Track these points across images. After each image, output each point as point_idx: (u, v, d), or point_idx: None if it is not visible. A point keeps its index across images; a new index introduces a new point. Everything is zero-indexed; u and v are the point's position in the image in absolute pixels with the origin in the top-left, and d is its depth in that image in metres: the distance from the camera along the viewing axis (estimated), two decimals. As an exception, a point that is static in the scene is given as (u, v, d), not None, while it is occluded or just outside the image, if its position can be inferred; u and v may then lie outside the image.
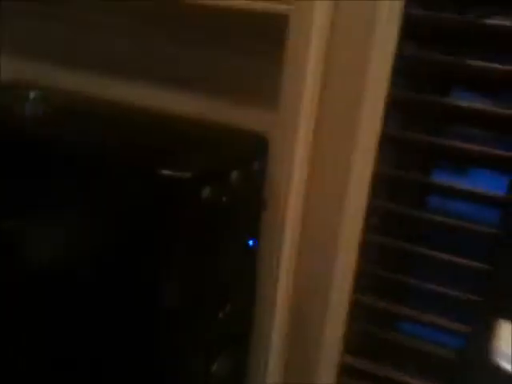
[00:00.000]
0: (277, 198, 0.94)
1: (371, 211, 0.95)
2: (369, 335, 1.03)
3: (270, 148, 0.93)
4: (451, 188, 0.94)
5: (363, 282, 0.99)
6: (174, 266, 0.79)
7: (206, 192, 0.77)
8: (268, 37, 0.90)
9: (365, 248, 0.96)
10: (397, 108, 0.93)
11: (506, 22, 0.85)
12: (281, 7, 0.87)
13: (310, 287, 0.99)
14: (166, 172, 0.73)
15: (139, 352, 0.81)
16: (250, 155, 0.91)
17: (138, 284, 0.79)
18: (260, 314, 0.99)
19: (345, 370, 1.04)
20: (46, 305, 0.88)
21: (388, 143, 0.94)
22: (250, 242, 0.94)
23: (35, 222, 0.87)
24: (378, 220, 0.99)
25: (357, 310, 1.00)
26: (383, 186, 0.97)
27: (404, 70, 0.91)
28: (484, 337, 0.88)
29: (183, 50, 0.98)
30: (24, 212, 0.86)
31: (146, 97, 1.00)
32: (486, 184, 0.93)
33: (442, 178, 0.97)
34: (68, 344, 0.87)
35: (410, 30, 0.88)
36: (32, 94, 0.99)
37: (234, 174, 0.84)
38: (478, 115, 0.90)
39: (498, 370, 0.85)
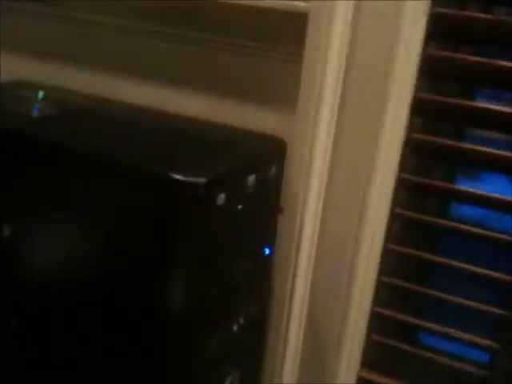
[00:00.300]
0: (294, 204, 0.90)
1: (393, 218, 0.91)
2: (388, 348, 0.99)
3: (287, 151, 0.89)
4: (475, 195, 0.89)
5: (383, 293, 0.95)
6: (187, 276, 0.75)
7: (221, 199, 0.73)
8: (287, 37, 0.87)
9: (386, 257, 0.92)
10: (419, 111, 0.89)
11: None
12: (299, 5, 0.84)
13: (327, 298, 0.95)
14: (179, 177, 0.69)
15: (148, 367, 0.78)
16: (267, 159, 0.87)
17: (147, 294, 0.76)
18: (275, 325, 0.95)
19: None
20: (49, 309, 0.85)
21: (409, 147, 0.90)
22: (266, 250, 0.90)
23: (42, 225, 0.84)
24: (399, 228, 0.94)
25: (376, 323, 0.96)
26: (404, 192, 0.93)
27: (429, 71, 0.87)
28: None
29: (199, 51, 0.95)
30: (36, 214, 0.84)
31: (159, 98, 0.98)
32: (498, 189, 0.89)
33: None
34: (70, 353, 0.85)
35: (436, 30, 0.84)
36: (37, 94, 0.97)
37: (251, 179, 0.80)
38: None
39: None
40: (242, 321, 0.86)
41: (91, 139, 0.82)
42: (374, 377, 1.00)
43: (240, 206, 0.79)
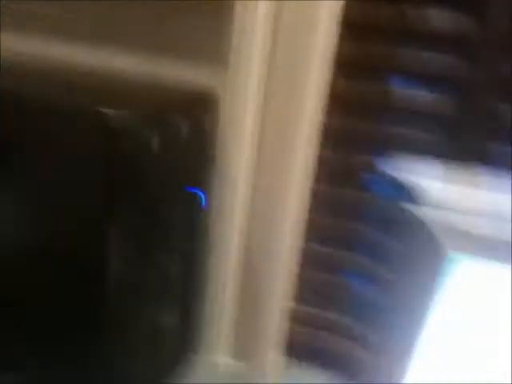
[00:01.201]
0: (227, 155, 0.94)
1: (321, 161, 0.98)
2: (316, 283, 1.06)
3: (220, 105, 0.92)
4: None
5: (313, 231, 1.02)
6: (119, 223, 0.75)
7: (153, 144, 0.75)
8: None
9: (314, 198, 0.99)
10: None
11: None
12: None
13: (261, 242, 1.01)
14: (112, 118, 0.70)
15: (85, 326, 0.79)
16: (199, 111, 0.90)
17: (79, 245, 0.76)
18: (212, 274, 1.02)
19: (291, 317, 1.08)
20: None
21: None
22: (201, 199, 0.94)
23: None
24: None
25: (306, 259, 1.04)
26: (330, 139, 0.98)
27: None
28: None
29: (128, 4, 0.93)
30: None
31: (90, 56, 0.95)
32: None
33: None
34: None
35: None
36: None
37: (184, 129, 0.83)
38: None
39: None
40: (178, 271, 0.90)
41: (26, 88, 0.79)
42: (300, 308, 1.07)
43: (173, 154, 0.82)
